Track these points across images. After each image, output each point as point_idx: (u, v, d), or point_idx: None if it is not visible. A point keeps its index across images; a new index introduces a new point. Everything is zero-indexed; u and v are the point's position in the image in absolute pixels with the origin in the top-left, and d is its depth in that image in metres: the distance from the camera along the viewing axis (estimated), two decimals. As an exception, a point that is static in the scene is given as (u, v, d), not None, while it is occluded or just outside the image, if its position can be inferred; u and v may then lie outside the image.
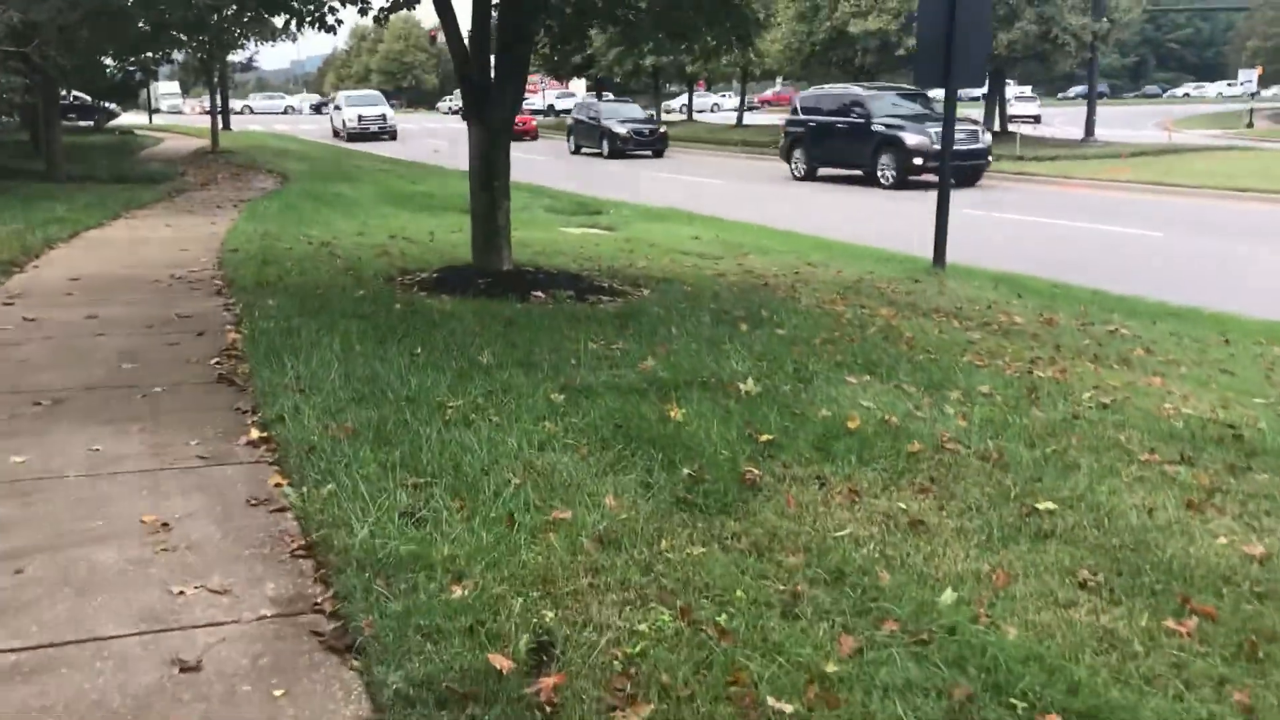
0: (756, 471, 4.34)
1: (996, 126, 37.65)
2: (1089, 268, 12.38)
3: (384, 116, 43.76)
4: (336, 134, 44.52)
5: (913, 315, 8.57)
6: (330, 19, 9.04)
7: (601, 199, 20.39)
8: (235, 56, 33.93)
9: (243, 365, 6.21)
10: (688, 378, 5.91)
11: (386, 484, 4.14)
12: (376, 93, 52.42)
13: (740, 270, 10.97)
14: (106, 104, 47.28)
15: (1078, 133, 36.35)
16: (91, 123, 45.45)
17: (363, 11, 9.19)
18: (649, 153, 33.92)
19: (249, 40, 27.57)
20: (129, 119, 54.95)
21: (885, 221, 17.42)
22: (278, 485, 4.30)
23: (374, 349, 6.43)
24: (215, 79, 32.91)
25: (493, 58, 8.96)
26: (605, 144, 33.98)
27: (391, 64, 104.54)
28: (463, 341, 6.71)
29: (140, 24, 24.41)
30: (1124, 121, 48.95)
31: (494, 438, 4.71)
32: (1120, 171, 25.01)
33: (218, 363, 6.38)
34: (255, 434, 4.95)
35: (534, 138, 43.85)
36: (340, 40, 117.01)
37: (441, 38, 9.27)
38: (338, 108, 46.63)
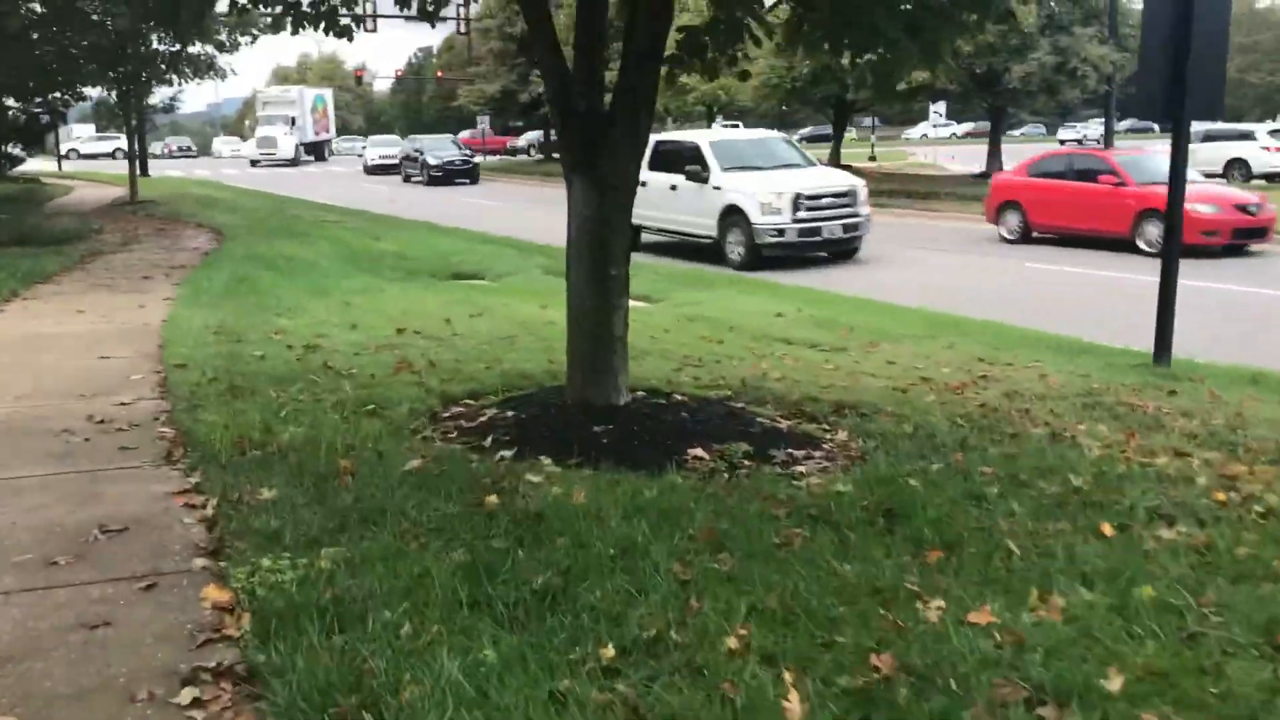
0: None
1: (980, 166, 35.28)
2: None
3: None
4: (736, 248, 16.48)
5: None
6: (345, 18, 5.73)
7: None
8: (155, 98, 30.05)
9: (253, 720, 2.85)
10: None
11: None
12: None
13: (905, 375, 7.79)
14: (10, 149, 42.98)
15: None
16: (-9, 170, 41.09)
17: (402, 3, 5.88)
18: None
19: (176, 76, 23.95)
20: (34, 165, 50.52)
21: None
22: None
23: (512, 657, 3.11)
24: (134, 121, 29.10)
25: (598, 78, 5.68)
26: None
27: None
28: (668, 616, 3.41)
29: (44, 55, 20.80)
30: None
31: None
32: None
33: (196, 703, 3.00)
34: None
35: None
36: (260, 81, 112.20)
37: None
38: (703, 179, 16.78)
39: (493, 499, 4.53)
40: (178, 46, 21.45)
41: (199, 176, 48.34)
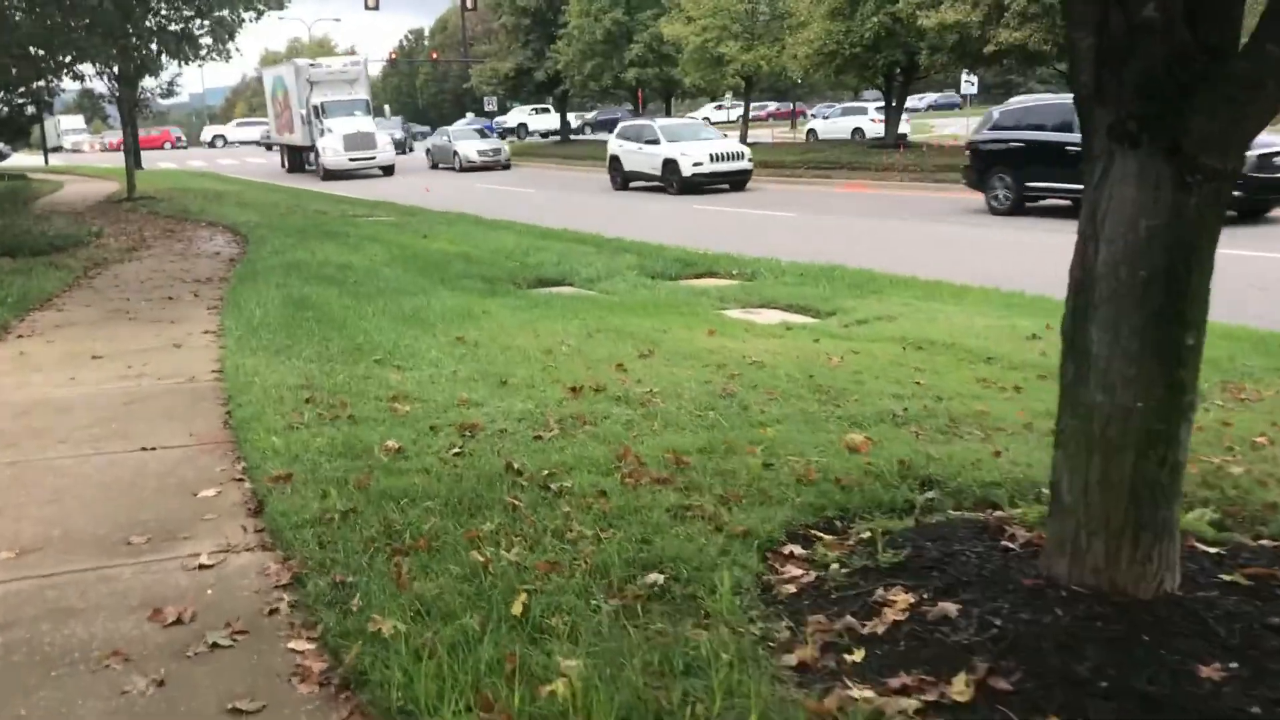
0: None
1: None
2: None
3: None
4: None
5: None
6: None
7: (651, 243, 14.56)
8: (154, 81, 27.05)
9: None
10: None
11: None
12: None
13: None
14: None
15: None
16: (-26, 167, 38.20)
17: None
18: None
19: (187, 53, 21.02)
20: (20, 160, 47.54)
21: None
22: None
23: None
24: (131, 109, 26.16)
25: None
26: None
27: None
28: None
29: (28, 34, 17.93)
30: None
31: None
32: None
33: None
34: None
35: None
36: (249, 68, 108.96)
37: None
38: None
39: None
40: (190, 15, 18.51)
41: (195, 168, 45.34)
